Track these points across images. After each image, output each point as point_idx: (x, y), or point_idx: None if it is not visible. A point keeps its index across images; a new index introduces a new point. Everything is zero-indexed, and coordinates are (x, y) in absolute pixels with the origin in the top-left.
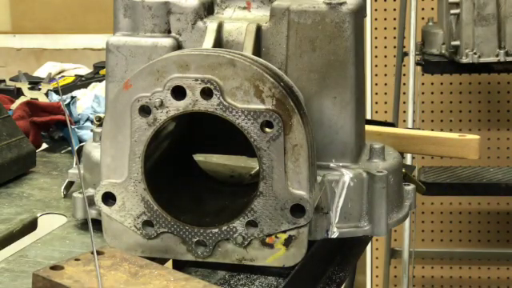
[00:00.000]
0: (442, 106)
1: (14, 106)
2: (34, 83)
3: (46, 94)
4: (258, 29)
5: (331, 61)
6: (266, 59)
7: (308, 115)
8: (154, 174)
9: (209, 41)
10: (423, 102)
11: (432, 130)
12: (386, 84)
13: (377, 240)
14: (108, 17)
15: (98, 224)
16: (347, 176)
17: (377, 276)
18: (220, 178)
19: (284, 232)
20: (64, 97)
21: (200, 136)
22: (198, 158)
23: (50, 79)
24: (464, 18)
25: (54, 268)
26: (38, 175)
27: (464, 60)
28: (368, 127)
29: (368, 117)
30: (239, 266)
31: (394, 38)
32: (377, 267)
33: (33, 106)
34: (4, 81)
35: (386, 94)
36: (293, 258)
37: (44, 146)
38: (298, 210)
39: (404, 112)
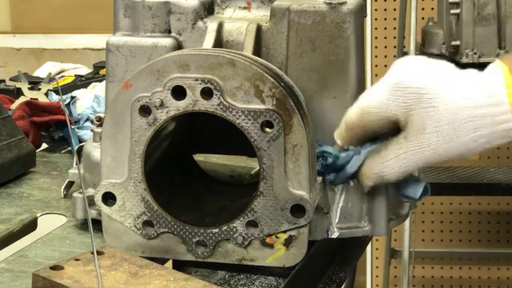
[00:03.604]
0: None
1: (13, 106)
2: (34, 83)
3: (46, 94)
4: (258, 29)
5: (331, 61)
6: (266, 59)
7: (308, 115)
8: (154, 174)
9: (209, 41)
10: None
11: None
12: None
13: (377, 240)
14: (108, 17)
15: (98, 224)
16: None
17: (377, 276)
18: (220, 178)
19: (284, 232)
20: (64, 97)
21: (200, 136)
22: (198, 158)
23: (50, 79)
24: (464, 18)
25: (53, 268)
26: (38, 175)
27: (464, 60)
28: None
29: None
30: (239, 266)
31: (394, 38)
32: (377, 267)
33: (33, 106)
34: (4, 81)
35: None
36: (293, 258)
37: (44, 146)
38: (298, 210)
39: None
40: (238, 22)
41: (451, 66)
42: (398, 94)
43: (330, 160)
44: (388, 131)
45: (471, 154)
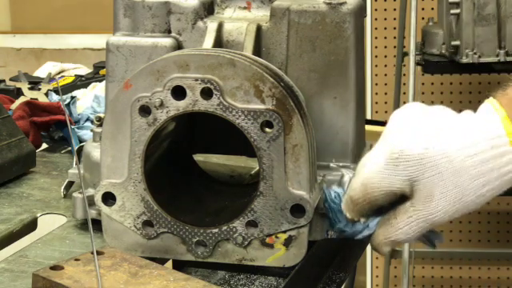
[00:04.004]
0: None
1: (13, 106)
2: (34, 83)
3: (46, 94)
4: (258, 29)
5: (331, 61)
6: (266, 59)
7: (308, 115)
8: (154, 174)
9: (209, 41)
10: (423, 102)
11: None
12: (386, 84)
13: None
14: (108, 17)
15: (98, 224)
16: (347, 176)
17: (377, 276)
18: (220, 178)
19: (284, 232)
20: (64, 97)
21: (200, 136)
22: (198, 158)
23: (50, 79)
24: (464, 18)
25: (53, 268)
26: (38, 175)
27: (464, 60)
28: (368, 127)
29: (368, 117)
30: (239, 266)
31: (394, 38)
32: (377, 267)
33: (33, 106)
34: (4, 81)
35: (386, 94)
36: (293, 258)
37: (44, 146)
38: (298, 210)
39: None
40: (238, 22)
41: (446, 111)
42: (400, 168)
43: (337, 226)
44: (395, 200)
45: (480, 206)
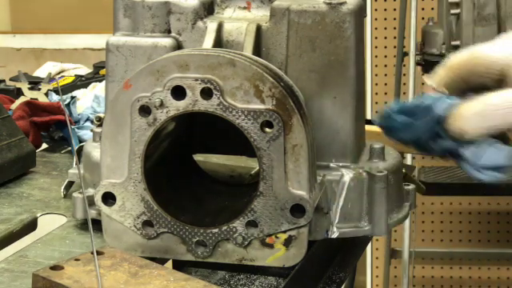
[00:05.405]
0: None
1: (13, 106)
2: (34, 83)
3: (46, 94)
4: (258, 29)
5: (331, 61)
6: (266, 59)
7: (308, 115)
8: (154, 174)
9: (209, 41)
10: None
11: None
12: (385, 84)
13: (377, 240)
14: (108, 17)
15: (98, 224)
16: (347, 176)
17: (377, 276)
18: (220, 178)
19: (284, 232)
20: (64, 97)
21: (200, 136)
22: (198, 158)
23: (50, 79)
24: (464, 18)
25: (53, 268)
26: (38, 175)
27: None
28: (368, 127)
29: (368, 117)
30: (239, 266)
31: (394, 37)
32: (377, 267)
33: (33, 106)
34: (4, 81)
35: (386, 94)
36: (293, 258)
37: (44, 146)
38: (298, 210)
39: None
40: (238, 22)
41: None
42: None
43: (412, 101)
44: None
45: None
